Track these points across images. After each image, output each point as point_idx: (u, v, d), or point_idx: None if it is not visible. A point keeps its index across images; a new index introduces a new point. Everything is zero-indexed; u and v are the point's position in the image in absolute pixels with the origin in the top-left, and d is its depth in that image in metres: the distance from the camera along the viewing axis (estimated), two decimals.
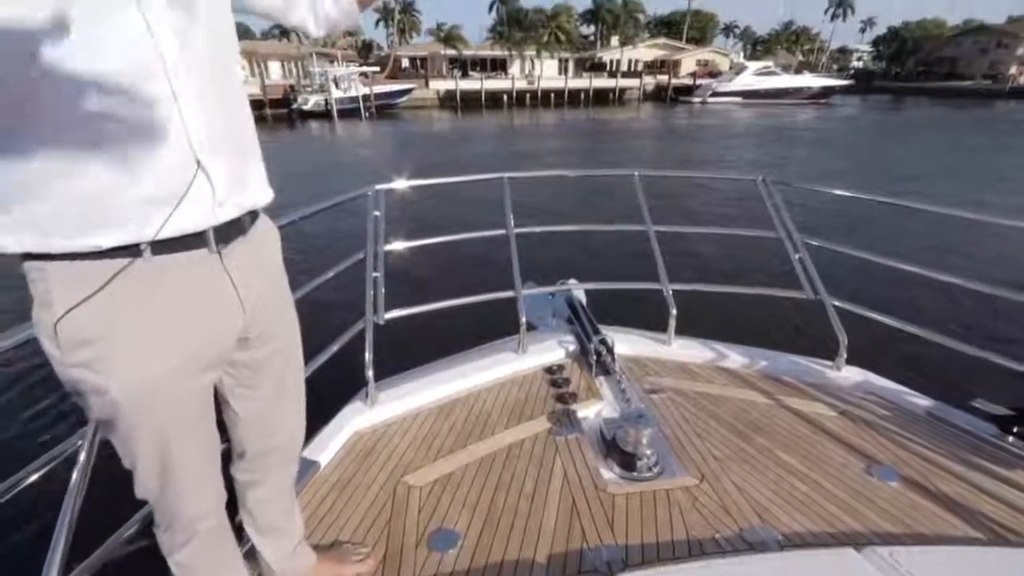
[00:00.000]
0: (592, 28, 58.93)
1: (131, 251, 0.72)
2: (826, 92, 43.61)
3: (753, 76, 43.85)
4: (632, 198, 2.55)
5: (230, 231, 0.83)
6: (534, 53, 47.92)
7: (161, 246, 0.74)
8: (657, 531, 1.40)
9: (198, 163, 0.74)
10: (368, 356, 1.92)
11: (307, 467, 1.63)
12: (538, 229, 2.57)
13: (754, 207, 2.52)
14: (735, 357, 2.28)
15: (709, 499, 1.51)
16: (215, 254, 0.81)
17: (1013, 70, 50.96)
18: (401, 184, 2.38)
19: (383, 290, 2.08)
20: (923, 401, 1.95)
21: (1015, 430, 1.71)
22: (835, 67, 69.58)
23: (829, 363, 2.19)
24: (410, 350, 2.40)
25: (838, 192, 2.55)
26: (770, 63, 47.99)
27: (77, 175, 0.66)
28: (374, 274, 2.07)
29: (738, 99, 42.48)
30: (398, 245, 2.25)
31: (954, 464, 1.65)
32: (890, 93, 52.87)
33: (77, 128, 0.64)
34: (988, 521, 1.42)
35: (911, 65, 62.19)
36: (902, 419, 1.88)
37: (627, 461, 1.64)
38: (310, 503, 1.52)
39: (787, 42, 73.98)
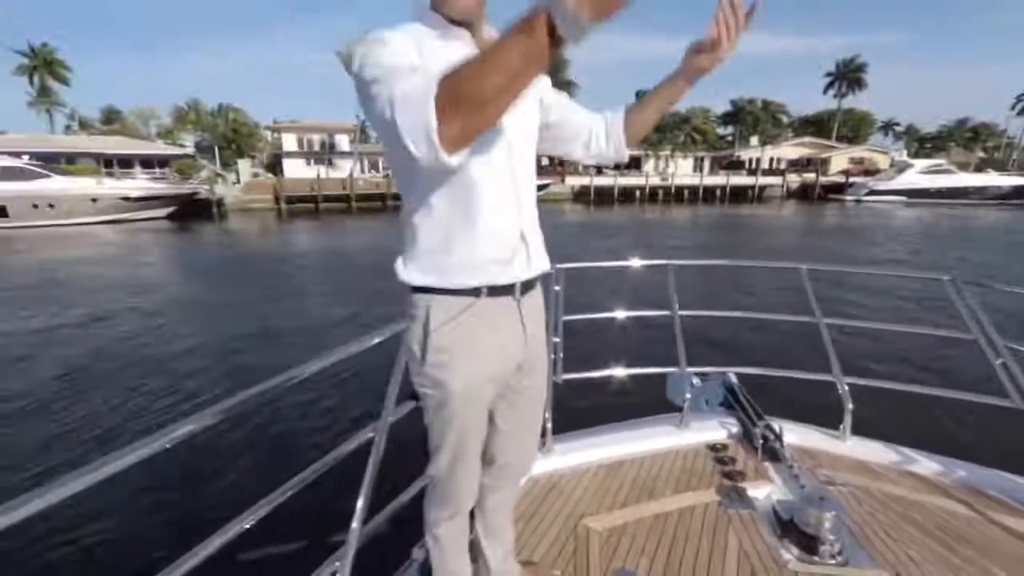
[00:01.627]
0: (731, 128, 59.30)
1: (476, 292, 1.09)
2: (1020, 192, 37.77)
3: (920, 174, 39.83)
4: (798, 290, 2.61)
5: (528, 286, 1.18)
6: (669, 152, 49.29)
7: (491, 291, 1.10)
8: None
9: (523, 237, 1.12)
10: (548, 411, 2.19)
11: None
12: (702, 313, 2.73)
13: (942, 307, 2.42)
14: (926, 463, 2.12)
15: None
16: (516, 301, 1.16)
17: None
18: (577, 264, 2.74)
19: (562, 354, 2.37)
20: None
21: None
22: None
23: None
24: (579, 409, 2.62)
25: None
26: (942, 161, 43.35)
27: (464, 242, 1.06)
28: (555, 339, 2.39)
29: (902, 198, 38.62)
30: (575, 316, 2.57)
31: None
32: None
33: (469, 217, 1.04)
34: None
35: None
36: None
37: (809, 544, 1.63)
38: None
39: (963, 138, 66.61)
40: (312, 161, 43.29)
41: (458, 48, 1.01)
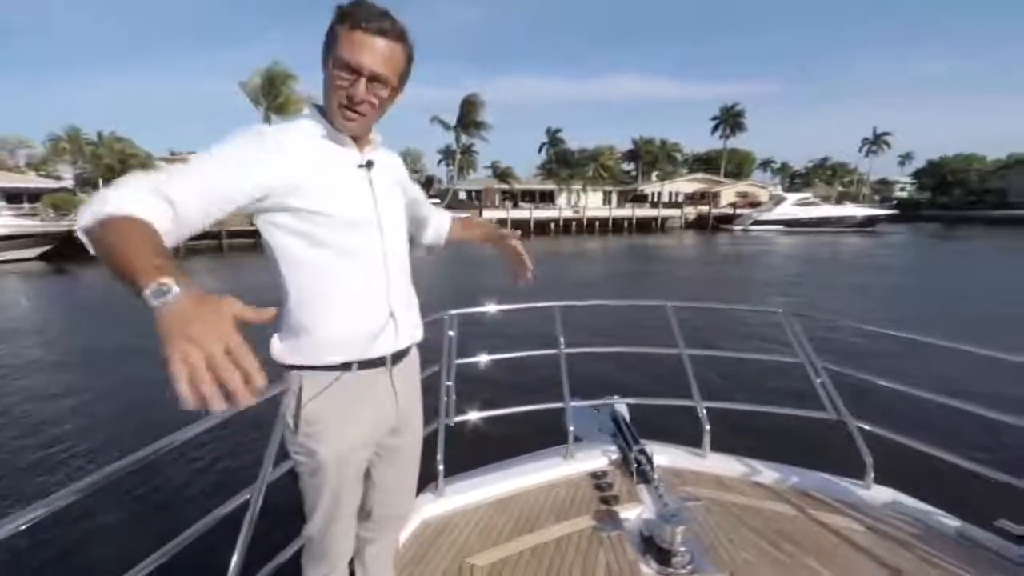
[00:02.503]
0: (633, 165, 64.08)
1: (346, 367, 1.19)
2: (871, 221, 44.18)
3: (793, 206, 45.36)
4: (668, 324, 2.94)
5: (399, 356, 1.29)
6: (580, 187, 52.13)
7: (361, 364, 1.21)
8: None
9: (391, 315, 1.24)
10: (440, 453, 2.29)
11: None
12: (585, 350, 2.98)
13: (778, 334, 2.85)
14: (767, 472, 2.47)
15: None
16: (388, 371, 1.27)
17: None
18: (470, 309, 2.90)
19: (454, 397, 2.50)
20: (951, 521, 2.06)
21: None
22: (877, 198, 70.87)
23: (859, 482, 2.34)
24: (472, 449, 2.73)
25: (859, 326, 2.85)
26: (809, 194, 49.69)
27: (334, 323, 1.16)
28: (447, 383, 2.51)
29: (780, 227, 43.60)
30: (468, 359, 2.71)
31: (966, 573, 1.75)
32: (940, 221, 52.85)
33: (338, 300, 1.15)
34: None
35: (960, 194, 62.49)
36: (930, 537, 2.00)
37: (663, 557, 1.85)
38: None
39: (825, 175, 76.96)
40: None
41: (343, 153, 1.15)
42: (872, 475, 2.31)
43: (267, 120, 36.09)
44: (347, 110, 1.09)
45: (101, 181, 36.20)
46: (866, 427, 2.40)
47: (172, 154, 44.56)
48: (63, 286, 19.06)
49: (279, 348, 1.19)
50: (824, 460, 2.47)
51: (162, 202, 0.87)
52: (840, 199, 56.07)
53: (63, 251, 25.07)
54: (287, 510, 1.53)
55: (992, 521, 1.96)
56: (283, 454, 1.63)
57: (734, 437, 2.73)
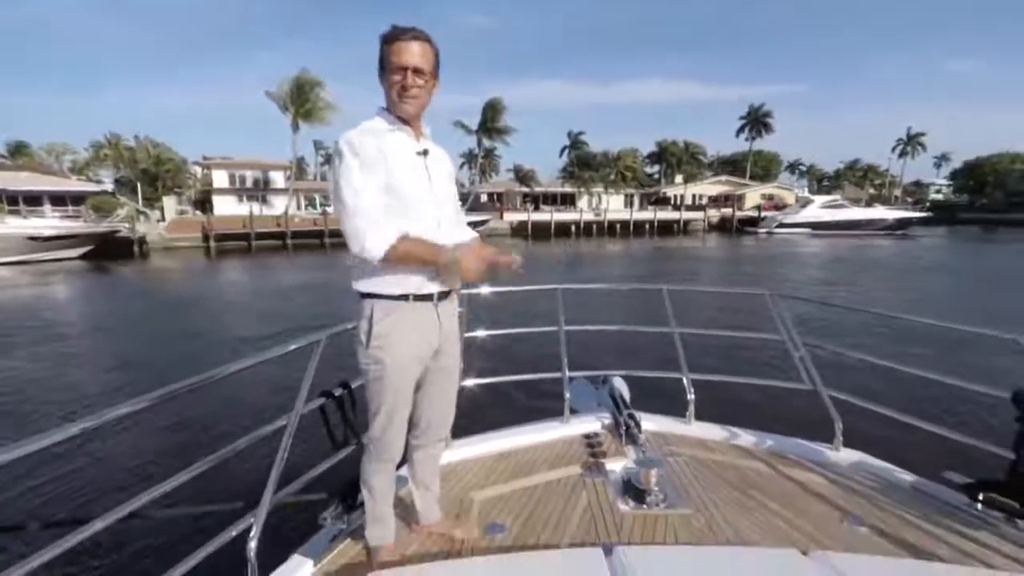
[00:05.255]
0: (657, 167, 63.70)
1: (405, 298, 1.54)
2: (903, 224, 43.03)
3: (821, 208, 44.51)
4: (663, 306, 3.19)
5: (443, 296, 1.63)
6: (601, 189, 52.08)
7: (416, 297, 1.55)
8: (654, 541, 1.85)
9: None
10: None
11: (402, 482, 2.24)
12: (584, 328, 3.26)
13: (765, 314, 3.07)
14: (745, 437, 2.70)
15: (699, 523, 1.94)
16: (435, 305, 1.61)
17: None
18: (478, 290, 3.20)
19: (461, 364, 2.79)
20: (907, 476, 2.26)
21: (980, 497, 2.00)
22: (910, 200, 68.78)
23: (828, 445, 2.55)
24: (479, 413, 3.03)
25: (837, 305, 3.06)
26: (837, 197, 48.63)
27: (398, 267, 1.51)
28: None
29: (806, 230, 42.83)
30: (475, 333, 3.01)
31: (919, 520, 1.96)
32: (978, 224, 51.11)
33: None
34: (940, 557, 1.73)
35: (1000, 196, 60.12)
36: (886, 489, 2.21)
37: (639, 495, 2.11)
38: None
39: (855, 177, 75.14)
40: (244, 198, 42.00)
41: (402, 138, 1.56)
42: (840, 439, 2.52)
43: (295, 125, 37.42)
44: (403, 96, 1.51)
45: (139, 184, 37.89)
46: (837, 395, 2.60)
47: (205, 158, 46.32)
48: (103, 283, 20.13)
49: (359, 282, 1.57)
50: (800, 427, 2.68)
51: (381, 225, 1.46)
52: (871, 202, 54.63)
53: (102, 251, 26.42)
54: (315, 440, 1.86)
55: (942, 474, 2.16)
56: (314, 393, 1.96)
57: (718, 408, 2.96)
